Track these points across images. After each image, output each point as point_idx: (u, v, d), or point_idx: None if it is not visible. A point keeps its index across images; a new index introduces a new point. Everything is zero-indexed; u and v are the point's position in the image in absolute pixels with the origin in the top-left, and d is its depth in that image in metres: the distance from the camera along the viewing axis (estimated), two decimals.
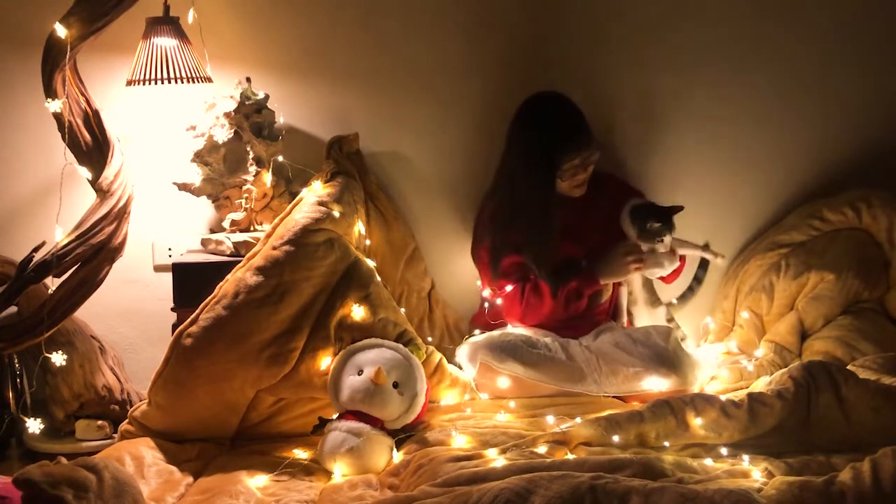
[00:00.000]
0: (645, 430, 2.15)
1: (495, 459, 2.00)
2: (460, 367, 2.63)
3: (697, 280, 2.88)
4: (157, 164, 2.82)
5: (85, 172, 2.44)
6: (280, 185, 2.75)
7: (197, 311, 2.35)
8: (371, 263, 2.56)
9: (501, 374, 2.53)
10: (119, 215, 2.44)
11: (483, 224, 2.79)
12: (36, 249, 2.34)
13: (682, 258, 2.78)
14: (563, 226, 2.70)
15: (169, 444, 2.31)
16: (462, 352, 2.65)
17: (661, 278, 2.81)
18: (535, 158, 2.65)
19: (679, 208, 2.69)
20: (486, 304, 2.79)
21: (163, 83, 2.52)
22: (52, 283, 2.37)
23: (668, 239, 2.67)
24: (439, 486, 1.87)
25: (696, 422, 2.16)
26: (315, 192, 2.57)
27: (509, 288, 2.70)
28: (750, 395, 2.23)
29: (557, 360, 2.56)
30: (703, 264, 2.87)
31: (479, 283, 2.89)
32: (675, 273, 2.80)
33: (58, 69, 2.31)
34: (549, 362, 2.54)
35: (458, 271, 2.98)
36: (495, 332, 2.65)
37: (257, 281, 2.34)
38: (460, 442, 2.17)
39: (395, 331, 2.44)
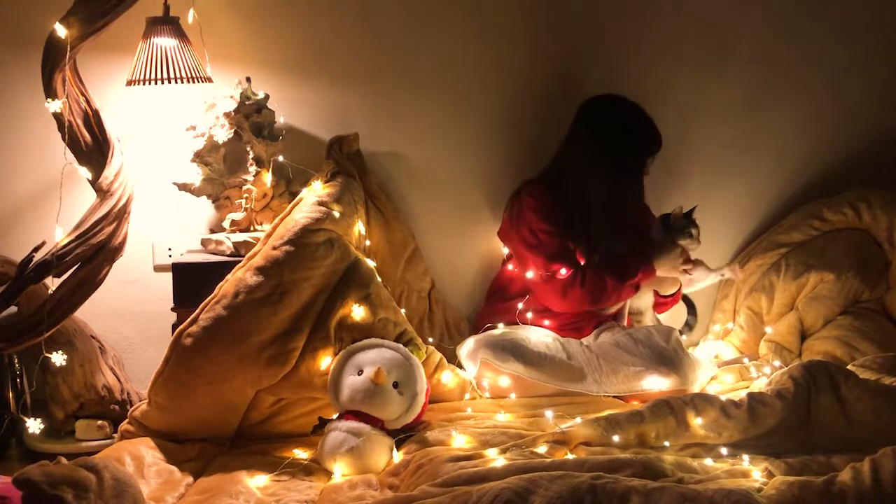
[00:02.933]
0: (645, 430, 2.15)
1: (495, 459, 2.00)
2: (460, 366, 2.63)
3: (689, 326, 2.92)
4: (157, 164, 2.82)
5: (85, 172, 2.44)
6: (280, 185, 2.75)
7: (197, 311, 2.35)
8: (371, 263, 2.56)
9: (502, 373, 2.53)
10: (119, 215, 2.44)
11: (536, 208, 2.71)
12: (36, 249, 2.34)
13: (677, 294, 2.81)
14: None
15: (169, 444, 2.31)
16: (463, 349, 2.65)
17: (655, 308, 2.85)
18: (620, 158, 2.68)
19: (693, 208, 2.73)
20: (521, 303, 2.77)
21: (163, 83, 2.51)
22: (52, 283, 2.37)
23: (695, 232, 2.68)
24: (439, 486, 1.87)
25: (696, 422, 2.16)
26: (315, 192, 2.57)
27: (564, 271, 2.67)
28: (750, 395, 2.23)
29: (558, 359, 2.56)
30: (692, 311, 2.89)
31: (510, 266, 2.87)
32: (666, 305, 2.84)
33: (58, 69, 2.31)
34: (549, 362, 2.54)
35: (458, 271, 2.98)
36: (496, 331, 2.65)
37: (257, 281, 2.34)
38: (460, 442, 2.17)
39: (395, 331, 2.44)
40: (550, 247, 2.68)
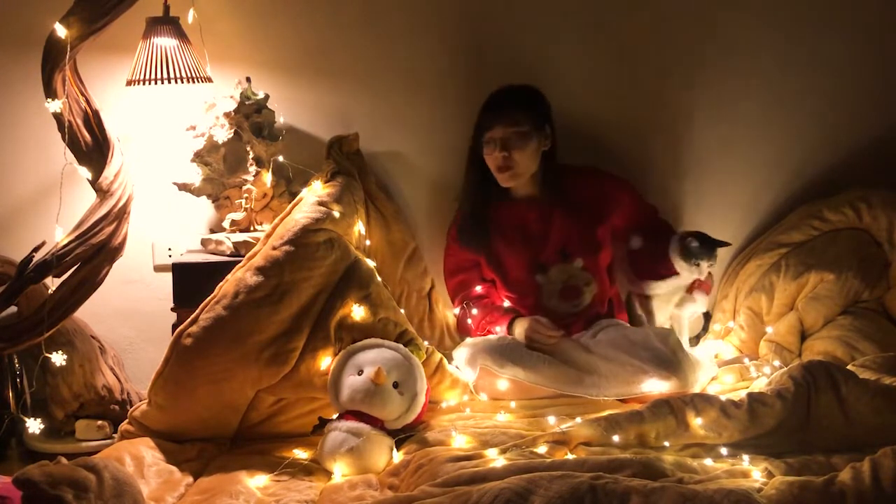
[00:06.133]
0: (645, 430, 2.15)
1: (495, 459, 2.00)
2: (459, 369, 2.63)
3: (697, 339, 2.92)
4: (157, 164, 2.82)
5: (85, 172, 2.45)
6: (280, 185, 2.75)
7: (197, 311, 2.35)
8: (371, 263, 2.56)
9: (501, 378, 2.52)
10: (119, 215, 2.44)
11: (447, 244, 2.89)
12: (36, 249, 2.34)
13: (708, 283, 2.80)
14: (516, 226, 2.76)
15: (169, 444, 2.31)
16: (460, 354, 2.64)
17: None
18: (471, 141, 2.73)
19: (726, 244, 2.70)
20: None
21: (163, 83, 2.52)
22: (52, 283, 2.37)
23: (704, 265, 2.64)
24: (439, 486, 1.87)
25: (696, 422, 2.16)
26: (315, 192, 2.57)
27: (457, 310, 2.82)
28: (750, 395, 2.23)
29: (557, 363, 2.55)
30: (705, 327, 2.90)
31: None
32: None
33: (58, 69, 2.32)
34: (548, 365, 2.53)
35: None
36: (492, 336, 2.65)
37: (257, 281, 2.33)
38: (460, 442, 2.17)
39: (396, 331, 2.44)
40: (447, 287, 2.88)
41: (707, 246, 2.63)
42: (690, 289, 2.78)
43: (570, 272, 2.74)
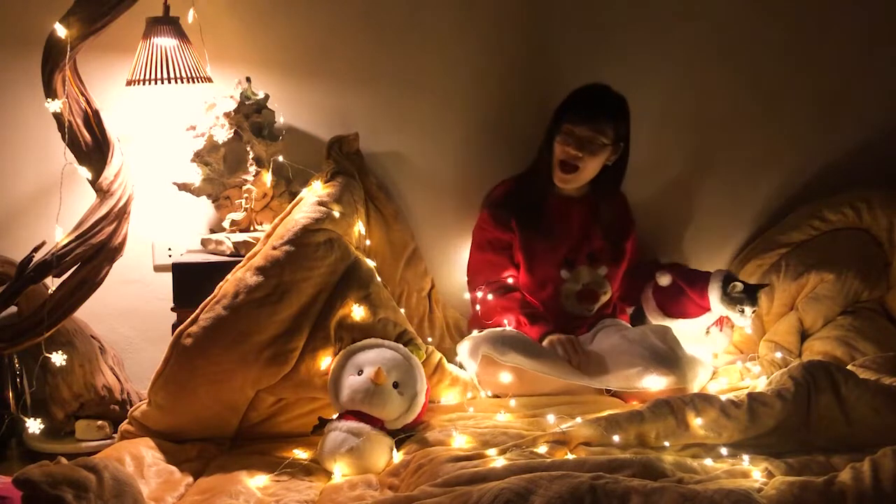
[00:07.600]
0: (645, 430, 2.15)
1: (495, 459, 2.00)
2: (461, 366, 2.63)
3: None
4: (157, 164, 2.82)
5: (85, 172, 2.44)
6: (280, 185, 2.75)
7: (197, 311, 2.35)
8: (371, 263, 2.56)
9: (503, 369, 2.52)
10: (119, 215, 2.44)
11: (482, 216, 2.85)
12: (36, 249, 2.34)
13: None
14: (558, 220, 2.77)
15: (169, 444, 2.31)
16: (463, 348, 2.64)
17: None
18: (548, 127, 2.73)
19: (765, 286, 2.78)
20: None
21: (163, 83, 2.51)
22: (52, 283, 2.37)
23: (748, 311, 2.67)
24: (439, 486, 1.87)
25: (696, 422, 2.16)
26: (315, 192, 2.57)
27: (479, 294, 2.78)
28: (750, 395, 2.23)
29: (557, 354, 2.56)
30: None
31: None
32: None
33: (58, 69, 2.31)
34: (549, 354, 2.54)
35: (458, 271, 2.98)
36: (496, 328, 2.65)
37: (257, 281, 2.33)
38: (460, 442, 2.17)
39: (396, 331, 2.44)
40: (471, 261, 2.84)
41: (750, 292, 2.67)
42: (718, 322, 2.80)
43: (593, 276, 2.79)
